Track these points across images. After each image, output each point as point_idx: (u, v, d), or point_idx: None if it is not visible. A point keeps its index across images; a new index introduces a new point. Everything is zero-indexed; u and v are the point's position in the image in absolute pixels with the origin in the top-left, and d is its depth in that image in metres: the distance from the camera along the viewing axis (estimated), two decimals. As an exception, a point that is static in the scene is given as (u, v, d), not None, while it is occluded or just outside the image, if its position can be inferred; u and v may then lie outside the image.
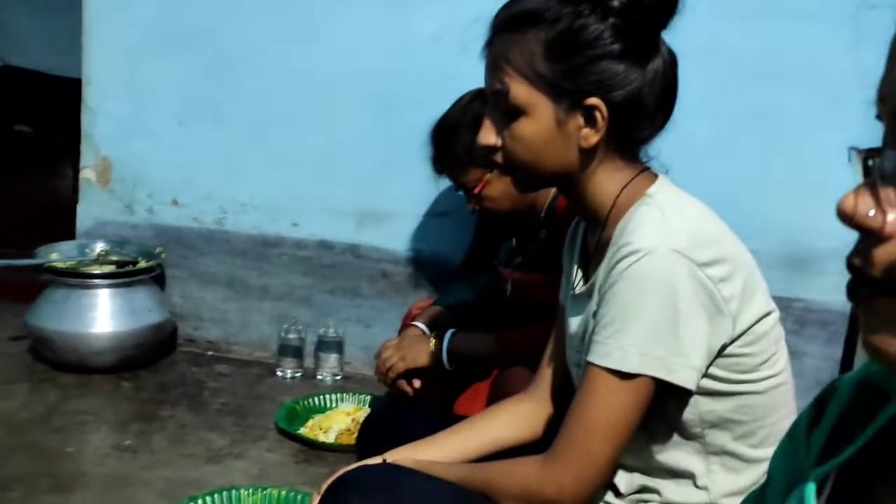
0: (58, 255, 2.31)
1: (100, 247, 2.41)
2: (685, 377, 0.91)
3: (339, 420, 1.99)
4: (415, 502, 0.95)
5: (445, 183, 1.82)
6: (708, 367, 0.93)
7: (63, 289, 2.22)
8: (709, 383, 0.94)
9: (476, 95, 1.66)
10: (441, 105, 1.72)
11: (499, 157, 1.03)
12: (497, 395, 1.42)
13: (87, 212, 2.52)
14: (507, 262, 1.76)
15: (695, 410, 0.96)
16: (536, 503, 0.96)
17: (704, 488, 0.98)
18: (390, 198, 2.32)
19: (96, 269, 2.27)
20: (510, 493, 0.98)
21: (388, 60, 2.25)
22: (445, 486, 1.01)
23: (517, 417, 1.19)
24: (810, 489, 0.50)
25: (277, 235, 2.41)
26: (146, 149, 2.46)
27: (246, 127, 2.38)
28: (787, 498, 0.53)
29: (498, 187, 1.63)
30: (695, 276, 0.90)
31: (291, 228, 2.40)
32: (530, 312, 1.68)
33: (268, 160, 2.38)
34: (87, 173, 2.51)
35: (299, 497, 1.58)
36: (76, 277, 2.22)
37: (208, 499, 1.55)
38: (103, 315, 2.20)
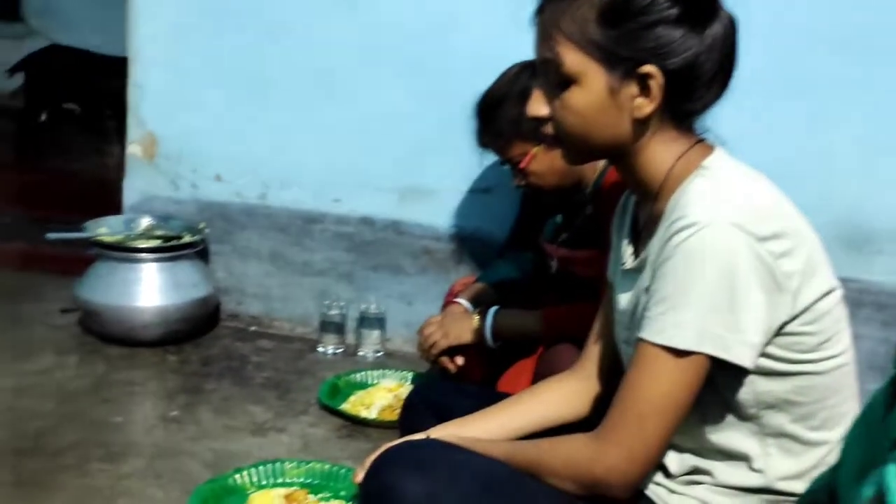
0: (105, 229, 2.34)
1: (145, 221, 2.43)
2: (742, 355, 0.88)
3: (382, 396, 1.99)
4: (461, 479, 0.94)
5: (490, 158, 1.79)
6: (766, 345, 0.90)
7: (110, 262, 2.25)
8: (767, 363, 0.91)
9: (523, 67, 1.63)
10: (486, 78, 1.69)
11: (548, 129, 1.00)
12: (542, 373, 1.40)
13: (133, 187, 2.54)
14: (553, 239, 1.73)
15: (751, 390, 0.93)
16: (584, 482, 0.94)
17: (760, 471, 0.95)
18: (433, 173, 2.30)
19: (142, 244, 2.30)
20: (557, 471, 0.96)
21: (433, 33, 2.22)
22: (492, 463, 0.99)
23: (563, 395, 1.17)
24: (891, 471, 0.47)
25: (319, 211, 2.41)
26: (190, 124, 2.47)
27: (289, 102, 2.38)
28: (864, 481, 0.50)
29: (544, 162, 1.60)
30: (754, 251, 0.87)
31: (333, 204, 2.40)
32: (576, 289, 1.65)
33: (310, 135, 2.37)
34: (133, 149, 2.53)
35: (342, 472, 1.58)
36: (122, 251, 2.24)
37: (253, 470, 1.56)
38: (149, 289, 2.22)
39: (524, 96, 1.55)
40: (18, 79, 5.96)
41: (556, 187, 1.65)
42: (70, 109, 5.92)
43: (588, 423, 1.10)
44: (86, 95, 5.73)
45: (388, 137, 2.31)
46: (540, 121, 1.00)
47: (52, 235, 2.27)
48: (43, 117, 5.84)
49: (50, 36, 5.96)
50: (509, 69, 1.67)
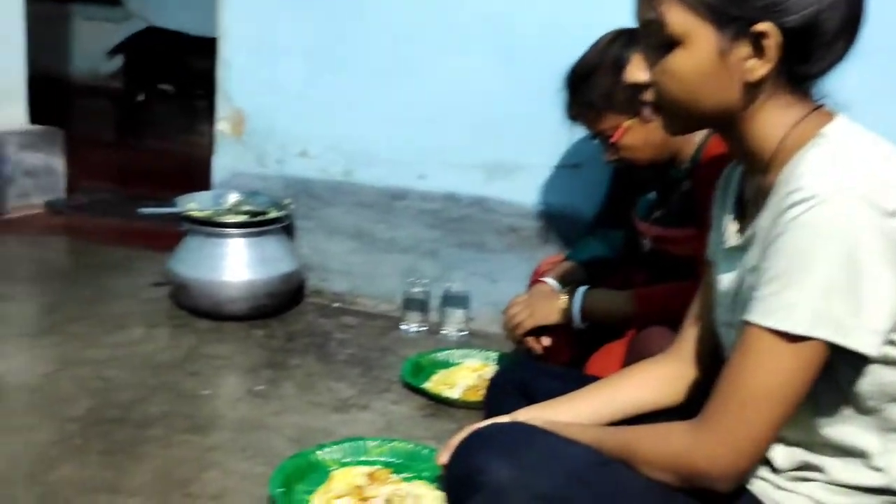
0: (194, 204, 2.37)
1: (233, 197, 2.46)
2: (864, 342, 0.79)
3: (465, 376, 1.96)
4: (551, 465, 0.89)
5: (580, 132, 1.72)
6: (893, 332, 0.81)
7: (199, 237, 2.28)
8: (893, 351, 0.82)
9: (616, 36, 1.55)
10: (576, 48, 1.61)
11: (649, 96, 0.93)
12: (634, 356, 1.34)
13: (222, 163, 2.58)
14: (646, 216, 1.65)
15: (874, 381, 0.84)
16: (683, 473, 0.88)
17: (880, 469, 0.87)
18: (520, 149, 2.23)
19: (229, 219, 2.32)
20: (653, 461, 0.90)
21: (519, 4, 2.15)
22: (582, 449, 0.94)
23: (657, 380, 1.10)
24: None
25: (404, 187, 2.39)
26: (278, 101, 2.48)
27: (374, 77, 2.36)
28: None
29: (638, 135, 1.52)
30: (880, 227, 0.78)
31: (418, 181, 2.37)
32: (669, 269, 1.58)
33: (395, 111, 2.35)
34: (221, 125, 2.56)
35: (425, 452, 1.55)
36: (210, 226, 2.27)
37: (336, 447, 1.55)
38: (235, 263, 2.25)
39: (618, 66, 1.48)
40: (117, 61, 6.18)
41: (651, 162, 1.57)
42: (165, 90, 6.10)
43: (684, 410, 1.04)
44: (180, 76, 5.89)
45: (474, 112, 2.26)
46: (639, 88, 0.94)
47: (143, 210, 2.32)
48: (140, 98, 6.04)
49: (147, 19, 6.14)
50: (602, 37, 1.59)
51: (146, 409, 1.75)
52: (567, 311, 1.62)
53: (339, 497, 1.39)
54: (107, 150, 4.62)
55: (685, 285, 1.25)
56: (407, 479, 1.47)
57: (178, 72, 5.87)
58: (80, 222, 3.13)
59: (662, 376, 1.10)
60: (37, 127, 3.23)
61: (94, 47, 6.24)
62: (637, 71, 0.93)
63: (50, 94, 3.65)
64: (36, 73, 3.28)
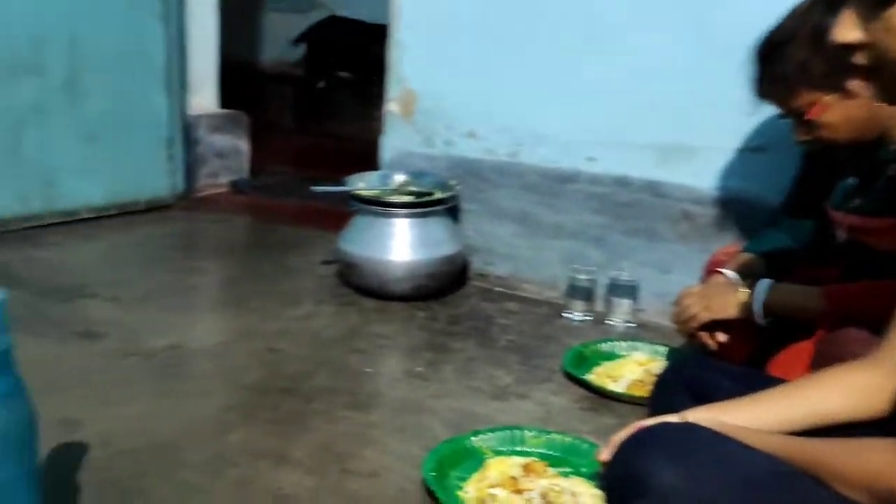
0: (363, 184, 2.41)
1: (400, 177, 2.48)
2: None
3: (631, 369, 1.86)
4: (728, 473, 0.80)
5: (766, 111, 1.57)
6: None
7: (366, 217, 2.32)
8: None
9: (815, 1, 1.39)
10: (766, 20, 1.47)
11: (861, 58, 0.80)
12: (825, 359, 1.19)
13: (390, 143, 2.61)
14: (842, 205, 1.48)
15: None
16: (883, 493, 0.76)
17: None
18: (697, 130, 2.09)
19: (395, 199, 2.34)
20: (850, 477, 0.79)
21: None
22: (762, 456, 0.84)
23: (854, 388, 0.97)
24: None
25: (572, 170, 2.30)
26: (448, 81, 2.47)
27: (548, 57, 2.29)
28: None
29: (838, 111, 1.36)
30: None
31: (587, 163, 2.28)
32: (868, 264, 1.40)
33: (566, 90, 2.27)
34: (392, 105, 2.59)
35: (585, 446, 1.48)
36: (377, 206, 2.30)
37: (491, 435, 1.51)
38: (400, 243, 2.26)
39: (817, 34, 1.32)
40: (301, 49, 6.48)
41: (853, 142, 1.40)
42: (344, 77, 6.33)
43: (880, 424, 0.91)
44: (358, 63, 6.08)
45: (653, 91, 2.14)
46: (848, 50, 0.81)
47: (315, 189, 2.39)
48: (321, 85, 6.30)
49: (331, 8, 6.39)
50: (798, 5, 1.43)
51: (311, 383, 1.79)
52: (747, 306, 1.49)
53: (493, 486, 1.35)
54: (288, 134, 4.87)
55: (887, 283, 1.11)
56: (564, 474, 1.40)
57: (357, 59, 6.06)
58: (261, 202, 3.31)
59: (859, 386, 0.97)
60: (226, 111, 3.43)
61: (280, 36, 6.58)
62: (848, 30, 0.80)
63: (240, 81, 3.88)
64: (228, 61, 3.49)
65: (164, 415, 1.61)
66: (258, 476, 1.42)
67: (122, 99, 2.90)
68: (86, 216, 2.85)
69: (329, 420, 1.64)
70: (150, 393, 1.71)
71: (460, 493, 1.34)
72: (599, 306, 2.26)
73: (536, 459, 1.44)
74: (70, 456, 1.39)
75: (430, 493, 1.35)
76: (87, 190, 2.85)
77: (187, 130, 3.16)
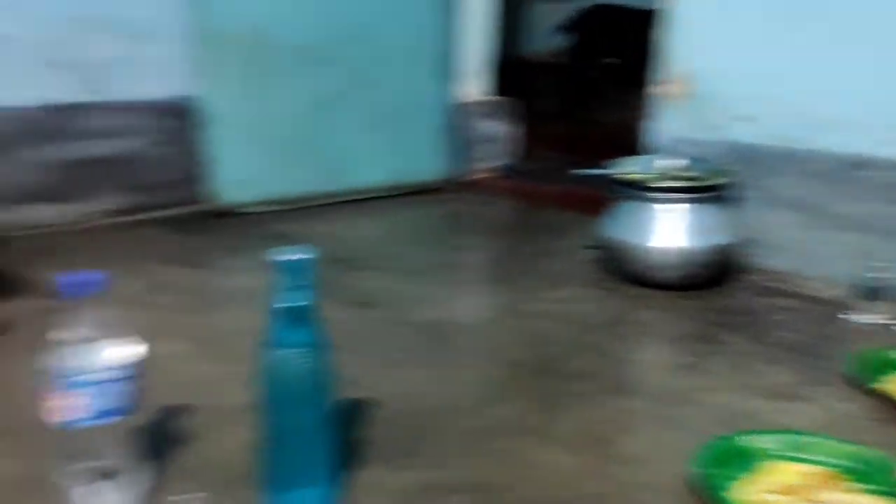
0: (625, 168, 2.36)
1: (666, 162, 2.39)
2: None
3: (934, 380, 1.65)
4: None
5: None
6: None
7: (631, 202, 2.27)
8: None
9: None
10: None
11: None
12: None
13: (658, 128, 2.52)
14: None
15: None
16: None
17: None
18: None
19: (661, 184, 2.26)
20: None
21: None
22: None
23: None
24: None
25: (866, 155, 2.08)
26: (726, 62, 2.33)
27: (846, 30, 2.08)
28: None
29: None
30: None
31: (882, 147, 2.04)
32: None
33: (865, 68, 2.04)
34: (661, 89, 2.51)
35: (882, 461, 1.32)
36: (639, 190, 2.24)
37: (768, 437, 1.40)
38: (665, 230, 2.19)
39: None
40: (567, 38, 6.49)
41: None
42: (611, 63, 6.24)
43: None
44: (624, 49, 5.96)
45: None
46: None
47: (575, 172, 2.39)
48: (591, 73, 6.28)
49: (591, -4, 6.33)
50: None
51: (572, 365, 1.80)
52: None
53: (772, 492, 1.26)
54: (554, 122, 4.92)
55: None
56: (862, 491, 1.26)
57: (624, 45, 5.96)
58: (526, 186, 3.39)
59: None
60: (496, 98, 3.55)
61: (546, 26, 6.65)
62: None
63: (509, 69, 3.99)
64: (502, 52, 3.62)
65: (434, 382, 1.70)
66: (522, 450, 1.44)
67: (403, 88, 3.11)
68: (368, 196, 3.11)
69: (590, 403, 1.63)
70: (420, 361, 1.81)
71: (733, 495, 1.26)
72: (891, 308, 2.03)
73: (827, 469, 1.31)
74: (353, 411, 1.52)
75: (699, 489, 1.29)
76: (370, 173, 3.11)
77: (460, 117, 3.30)
